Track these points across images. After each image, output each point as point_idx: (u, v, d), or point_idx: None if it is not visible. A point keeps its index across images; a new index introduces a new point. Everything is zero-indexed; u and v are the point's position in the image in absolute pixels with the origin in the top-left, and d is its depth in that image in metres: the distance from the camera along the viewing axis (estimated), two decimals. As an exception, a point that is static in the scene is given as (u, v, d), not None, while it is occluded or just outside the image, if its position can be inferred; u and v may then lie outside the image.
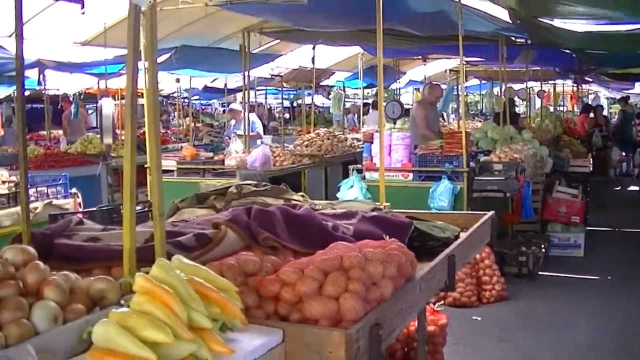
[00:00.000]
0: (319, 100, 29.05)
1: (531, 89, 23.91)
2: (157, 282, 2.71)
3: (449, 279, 4.44)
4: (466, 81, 14.85)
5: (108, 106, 11.86)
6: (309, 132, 17.42)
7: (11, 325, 2.63)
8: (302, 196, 5.33)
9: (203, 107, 36.13)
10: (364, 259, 3.38)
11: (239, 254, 3.50)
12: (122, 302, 3.00)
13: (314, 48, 16.20)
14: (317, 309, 3.11)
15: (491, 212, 5.88)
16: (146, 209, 5.10)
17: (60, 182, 8.10)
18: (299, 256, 3.67)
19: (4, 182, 8.08)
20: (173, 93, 27.96)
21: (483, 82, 27.32)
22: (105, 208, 5.36)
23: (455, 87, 20.85)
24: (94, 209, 5.47)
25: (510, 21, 11.21)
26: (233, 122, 16.29)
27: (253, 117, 15.50)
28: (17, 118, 3.76)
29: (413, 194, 10.01)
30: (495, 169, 10.89)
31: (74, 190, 8.01)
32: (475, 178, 10.44)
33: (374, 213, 4.77)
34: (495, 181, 10.36)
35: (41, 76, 15.49)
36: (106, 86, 16.08)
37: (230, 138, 14.54)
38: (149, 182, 3.39)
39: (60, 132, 23.45)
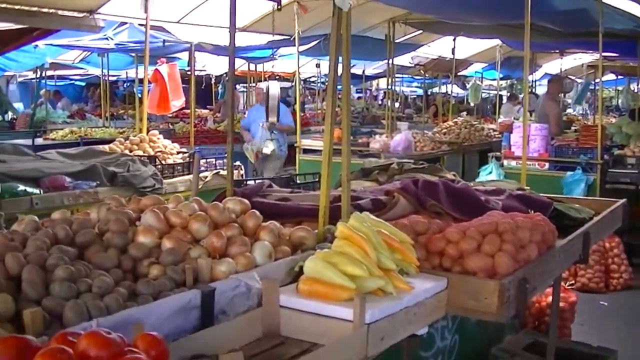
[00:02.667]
0: (454, 89, 29.46)
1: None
2: (354, 230, 3.43)
3: (583, 253, 5.03)
4: (602, 76, 15.14)
5: (274, 87, 12.70)
6: (445, 121, 18.01)
7: (239, 256, 3.40)
8: (454, 175, 5.99)
9: (338, 92, 36.90)
10: (515, 226, 4.04)
11: (409, 216, 4.20)
12: (316, 248, 3.74)
13: (454, 39, 16.75)
14: (476, 263, 3.78)
15: (623, 200, 6.39)
16: (317, 180, 5.86)
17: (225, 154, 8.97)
18: (458, 221, 4.34)
19: (178, 152, 9.02)
20: (310, 77, 28.77)
21: (619, 77, 27.22)
22: (283, 176, 6.17)
23: (592, 82, 21.01)
24: (273, 176, 6.28)
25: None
26: (255, 106, 14.66)
27: (282, 107, 13.44)
28: (227, 95, 4.55)
29: (548, 183, 10.46)
30: (628, 163, 11.26)
31: (237, 162, 8.86)
32: (609, 170, 10.86)
33: (519, 192, 5.41)
34: (629, 174, 10.77)
35: (192, 58, 16.47)
36: (255, 69, 17.00)
37: (249, 130, 13.28)
38: (343, 154, 4.07)
39: (205, 111, 24.67)
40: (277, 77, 21.21)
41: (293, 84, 28.14)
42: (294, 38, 12.44)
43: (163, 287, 3.01)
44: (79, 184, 7.00)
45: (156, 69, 9.87)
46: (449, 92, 26.32)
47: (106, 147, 8.69)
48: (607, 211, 5.83)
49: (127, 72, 24.59)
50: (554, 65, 22.27)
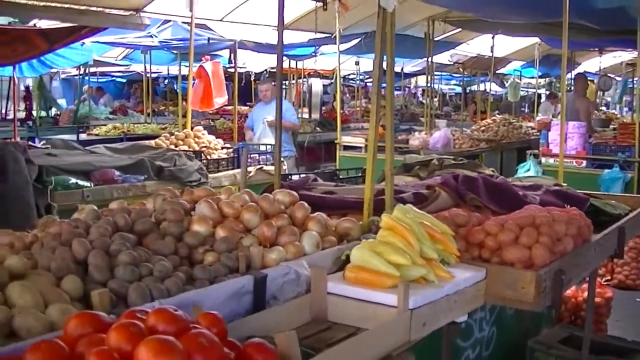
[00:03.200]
0: (492, 87, 29.50)
1: None
2: (398, 221, 3.60)
3: (619, 247, 5.18)
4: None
5: (317, 85, 12.90)
6: (484, 119, 18.12)
7: (289, 245, 3.60)
8: (492, 171, 6.15)
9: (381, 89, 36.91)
10: (552, 219, 4.20)
11: (450, 209, 4.37)
12: (361, 238, 3.93)
13: (493, 37, 16.85)
14: (514, 254, 3.94)
15: (659, 196, 6.52)
16: (360, 174, 6.06)
17: (268, 151, 9.18)
18: (496, 215, 4.50)
19: (222, 147, 9.25)
20: (349, 75, 28.93)
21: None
22: (327, 171, 6.37)
23: (631, 80, 20.98)
24: (318, 171, 6.49)
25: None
26: (257, 104, 13.00)
27: (286, 104, 12.47)
28: (276, 93, 4.75)
29: (586, 180, 10.57)
30: (665, 161, 11.35)
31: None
32: (647, 168, 10.95)
33: (556, 188, 5.55)
34: (667, 171, 10.87)
35: (232, 55, 16.67)
36: (296, 66, 17.23)
37: (252, 129, 11.68)
38: (386, 149, 4.24)
39: (244, 108, 24.95)
40: (318, 75, 21.51)
41: (332, 81, 28.43)
42: (335, 36, 12.61)
43: (218, 272, 3.21)
44: (128, 177, 7.25)
45: (200, 66, 10.12)
46: (487, 90, 26.37)
47: (152, 143, 8.95)
48: (643, 208, 5.96)
49: (168, 69, 24.92)
50: (593, 63, 22.28)
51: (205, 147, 8.93)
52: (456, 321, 3.74)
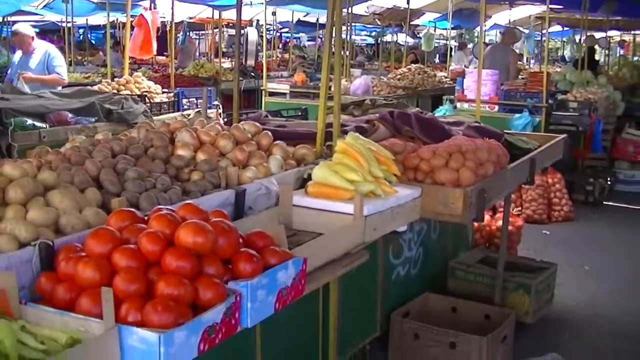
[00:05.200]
0: (403, 38, 30.22)
1: (611, 38, 24.78)
2: (351, 146, 4.30)
3: (530, 176, 5.98)
4: (549, 28, 16.10)
5: (253, 34, 13.39)
6: (397, 68, 18.88)
7: (259, 166, 4.27)
8: (419, 110, 6.89)
9: (287, 39, 37.39)
10: (475, 147, 4.95)
11: (388, 139, 5.08)
12: (314, 163, 4.62)
13: (410, -11, 17.60)
14: (444, 176, 4.70)
15: (564, 135, 7.36)
16: (300, 114, 6.75)
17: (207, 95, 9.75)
18: (427, 145, 5.24)
19: (162, 92, 9.80)
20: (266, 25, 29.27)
21: (565, 29, 28.20)
22: (271, 111, 7.02)
23: (539, 33, 21.94)
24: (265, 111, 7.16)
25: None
26: (18, 55, 10.64)
27: (52, 49, 10.47)
28: (235, 46, 5.36)
29: (498, 123, 11.20)
30: (570, 107, 12.28)
31: (216, 102, 9.63)
32: (553, 112, 11.84)
33: (476, 124, 6.32)
34: (570, 116, 11.79)
35: (152, 4, 16.95)
36: (220, 16, 17.66)
37: (14, 81, 9.76)
38: (335, 90, 4.92)
39: (162, 58, 25.20)
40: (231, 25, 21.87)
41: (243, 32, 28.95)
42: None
43: (206, 187, 3.87)
44: (80, 119, 7.76)
45: (141, 15, 10.57)
46: (400, 42, 27.05)
47: (95, 88, 9.41)
48: (550, 143, 6.78)
49: (87, 20, 24.96)
50: (503, 16, 23.12)
51: (146, 92, 9.46)
52: (397, 230, 4.48)
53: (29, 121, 7.34)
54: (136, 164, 4.03)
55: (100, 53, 26.88)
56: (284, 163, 4.47)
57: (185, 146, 4.24)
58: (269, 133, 4.67)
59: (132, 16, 15.27)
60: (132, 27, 10.85)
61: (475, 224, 7.52)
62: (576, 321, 7.00)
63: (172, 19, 12.91)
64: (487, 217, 7.67)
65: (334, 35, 5.10)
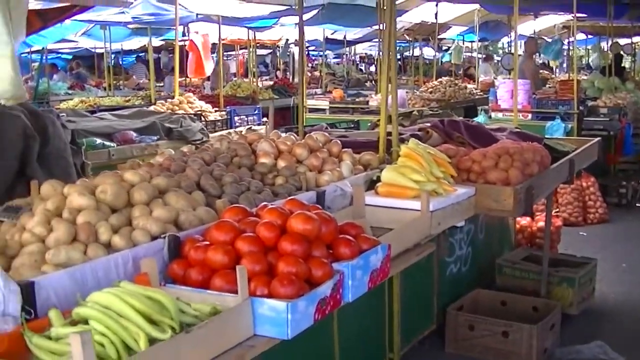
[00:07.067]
0: (429, 52, 30.69)
1: (637, 44, 25.08)
2: (413, 150, 4.81)
3: (569, 175, 6.46)
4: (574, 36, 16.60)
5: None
6: (426, 82, 19.41)
7: (333, 171, 4.79)
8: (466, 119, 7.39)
9: (314, 57, 37.92)
10: (522, 149, 5.45)
11: (441, 145, 5.60)
12: (379, 167, 5.14)
13: (437, 5, 18.06)
14: (495, 175, 5.21)
15: (598, 138, 7.83)
16: (352, 126, 7.28)
17: (255, 112, 10.34)
18: (476, 149, 5.74)
19: (216, 111, 10.38)
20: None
21: (589, 37, 28.56)
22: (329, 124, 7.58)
23: (563, 41, 22.35)
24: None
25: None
26: None
27: None
28: (299, 64, 5.89)
29: (533, 131, 11.65)
30: (601, 112, 12.71)
31: (265, 119, 10.20)
32: (584, 118, 12.27)
33: (517, 130, 6.81)
34: (601, 121, 12.24)
35: (185, 28, 17.52)
36: (254, 37, 18.24)
37: None
38: (393, 100, 5.48)
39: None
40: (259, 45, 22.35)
41: (271, 51, 29.59)
42: (294, 7, 13.57)
43: (291, 190, 4.39)
44: (143, 138, 8.32)
45: (190, 40, 11.16)
46: (424, 56, 27.47)
47: (151, 108, 10.00)
48: (585, 145, 7.26)
49: (122, 45, 25.61)
50: (528, 26, 23.53)
51: (199, 111, 10.04)
52: (456, 225, 5.00)
53: (98, 141, 7.89)
54: (226, 171, 4.55)
55: (134, 77, 27.60)
56: (353, 168, 5.01)
57: (266, 155, 4.78)
58: (338, 141, 5.22)
59: (168, 40, 15.81)
60: (171, 51, 11.46)
61: (518, 225, 8.01)
62: (617, 312, 7.42)
63: (219, 41, 13.38)
64: (527, 219, 8.14)
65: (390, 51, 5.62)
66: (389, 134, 5.53)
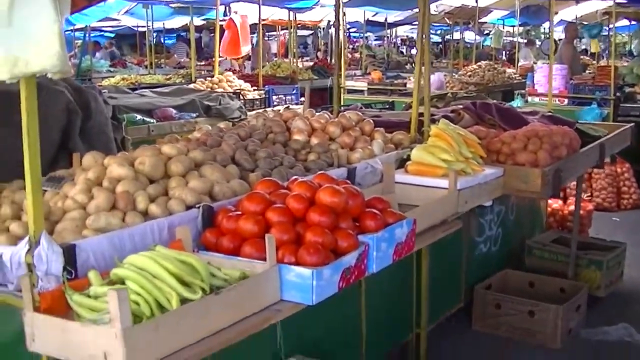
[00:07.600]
0: (470, 36, 30.61)
1: (680, 31, 24.84)
2: (443, 130, 4.94)
3: (600, 160, 6.55)
4: (616, 22, 16.46)
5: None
6: (465, 66, 19.43)
7: (364, 149, 4.93)
8: (499, 102, 7.50)
9: (355, 39, 37.98)
10: (551, 132, 5.55)
11: (472, 127, 5.72)
12: (410, 147, 5.27)
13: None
14: (524, 157, 5.31)
15: (631, 124, 7.88)
16: (387, 106, 7.41)
17: (293, 92, 10.51)
18: (507, 131, 5.85)
19: (255, 90, 10.55)
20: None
21: (632, 23, 28.27)
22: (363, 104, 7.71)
23: (606, 28, 22.21)
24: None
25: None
26: None
27: None
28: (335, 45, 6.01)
29: (568, 116, 11.55)
30: (638, 99, 12.70)
31: (302, 99, 10.35)
32: (621, 105, 12.28)
33: (550, 113, 6.90)
34: (638, 107, 12.22)
35: (226, 8, 17.66)
36: (295, 18, 18.36)
37: None
38: (425, 83, 5.62)
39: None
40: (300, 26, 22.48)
41: (312, 32, 29.68)
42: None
43: (322, 166, 4.54)
44: (183, 114, 8.50)
45: (230, 18, 11.32)
46: (467, 39, 27.41)
47: (191, 86, 10.19)
48: (618, 131, 7.32)
49: (164, 24, 25.85)
50: (570, 12, 23.40)
51: (238, 89, 10.22)
52: (484, 205, 5.12)
53: (138, 117, 8.08)
54: (260, 146, 4.71)
55: (175, 56, 27.84)
56: (385, 147, 5.14)
57: (300, 132, 4.94)
58: (371, 120, 5.36)
59: (209, 19, 15.91)
60: (212, 31, 11.63)
61: (549, 208, 8.09)
62: (645, 296, 7.51)
63: (259, 21, 13.48)
64: (559, 202, 8.22)
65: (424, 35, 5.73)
66: (421, 114, 5.65)
